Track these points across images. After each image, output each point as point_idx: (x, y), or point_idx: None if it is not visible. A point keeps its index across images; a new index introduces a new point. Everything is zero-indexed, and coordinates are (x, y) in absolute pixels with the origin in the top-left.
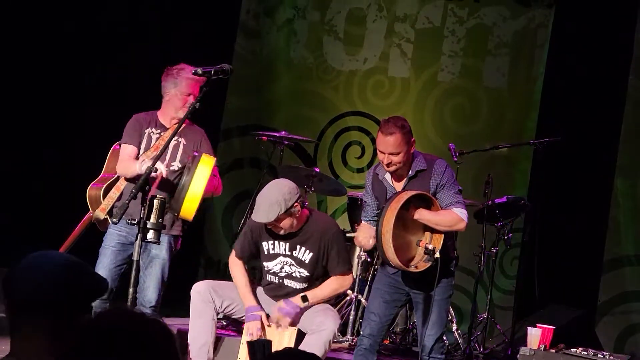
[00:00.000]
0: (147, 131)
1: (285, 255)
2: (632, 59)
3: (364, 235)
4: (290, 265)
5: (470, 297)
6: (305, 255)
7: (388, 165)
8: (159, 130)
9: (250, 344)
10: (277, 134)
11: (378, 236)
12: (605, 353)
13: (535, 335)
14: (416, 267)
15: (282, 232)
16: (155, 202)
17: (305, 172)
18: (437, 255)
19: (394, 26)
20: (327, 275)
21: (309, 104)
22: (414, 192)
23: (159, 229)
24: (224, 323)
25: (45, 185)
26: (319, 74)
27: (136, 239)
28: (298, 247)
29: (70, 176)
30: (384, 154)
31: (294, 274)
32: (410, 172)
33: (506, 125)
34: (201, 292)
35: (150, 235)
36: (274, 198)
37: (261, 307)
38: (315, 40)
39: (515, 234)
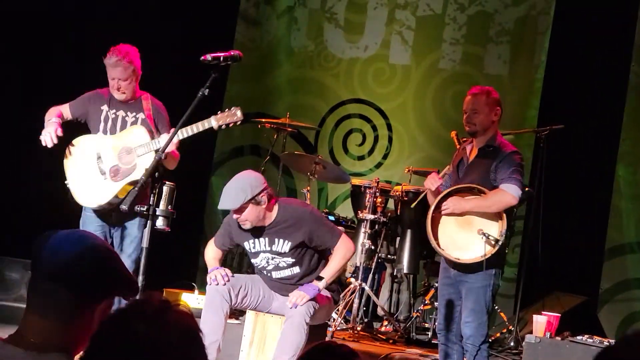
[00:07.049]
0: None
1: (265, 252)
2: (634, 46)
3: (430, 181)
4: (273, 258)
5: None
6: (285, 246)
7: (467, 124)
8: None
9: None
10: (280, 121)
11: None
12: (610, 340)
13: (541, 322)
14: (485, 255)
15: (247, 226)
16: (165, 188)
17: (309, 160)
18: (497, 237)
19: (395, 13)
20: (315, 251)
21: (310, 91)
22: (445, 192)
23: (169, 216)
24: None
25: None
26: (320, 61)
27: (145, 226)
28: (276, 240)
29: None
30: (465, 113)
31: (280, 264)
32: (481, 144)
33: (507, 113)
34: (218, 290)
35: (159, 222)
36: (239, 185)
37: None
38: (315, 28)
39: (517, 222)
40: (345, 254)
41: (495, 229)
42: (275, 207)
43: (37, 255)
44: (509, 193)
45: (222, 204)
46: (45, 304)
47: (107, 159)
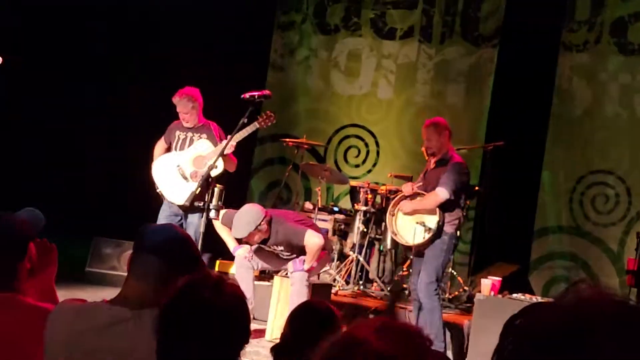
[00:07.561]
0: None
1: (272, 245)
2: (555, 86)
3: (405, 188)
4: (275, 248)
5: None
6: (281, 247)
7: (425, 147)
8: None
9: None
10: (299, 140)
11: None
12: (538, 297)
13: (487, 285)
14: (424, 238)
15: (254, 244)
16: (216, 189)
17: (320, 168)
18: (430, 227)
19: (382, 61)
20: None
21: (320, 118)
22: (401, 195)
23: (219, 209)
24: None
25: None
26: (327, 97)
27: (202, 217)
28: (274, 246)
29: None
30: (423, 140)
31: (279, 255)
32: (438, 158)
33: (463, 133)
34: (242, 264)
35: (212, 214)
36: (245, 220)
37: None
38: (324, 73)
39: (470, 212)
40: (313, 247)
41: (433, 220)
42: (270, 226)
43: (142, 237)
44: (437, 194)
45: (234, 234)
46: (145, 273)
47: (186, 167)
